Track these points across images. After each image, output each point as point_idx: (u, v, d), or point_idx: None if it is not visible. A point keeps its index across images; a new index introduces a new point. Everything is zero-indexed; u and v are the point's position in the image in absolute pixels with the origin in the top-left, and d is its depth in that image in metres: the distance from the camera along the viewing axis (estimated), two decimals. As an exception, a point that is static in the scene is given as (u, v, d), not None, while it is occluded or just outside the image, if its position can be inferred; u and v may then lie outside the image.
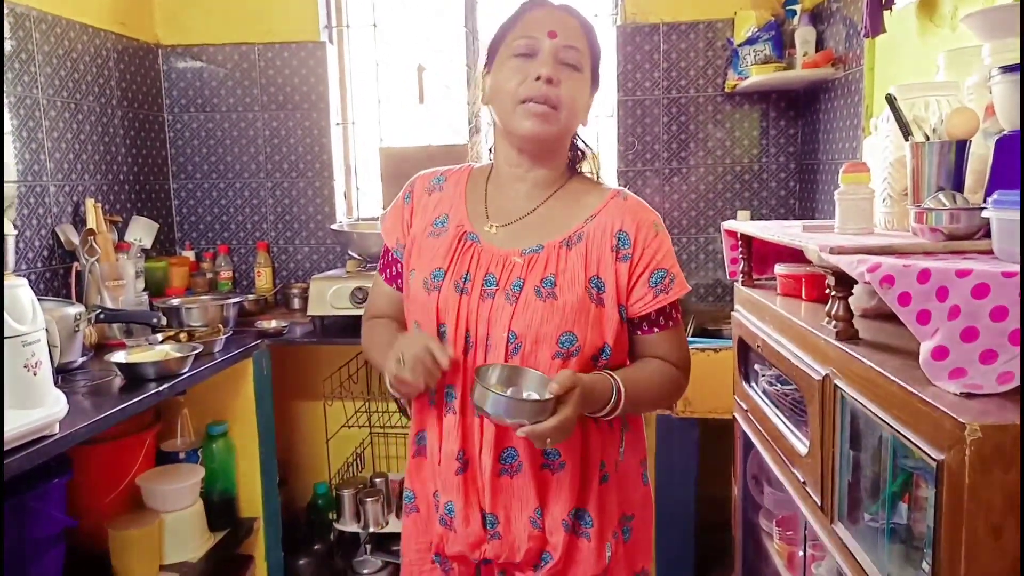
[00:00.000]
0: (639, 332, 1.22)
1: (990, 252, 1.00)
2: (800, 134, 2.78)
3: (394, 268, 1.29)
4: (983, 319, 0.86)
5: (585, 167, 1.29)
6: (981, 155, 1.20)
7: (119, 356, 1.94)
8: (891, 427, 0.93)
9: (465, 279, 1.16)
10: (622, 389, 1.13)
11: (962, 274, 0.87)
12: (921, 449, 0.85)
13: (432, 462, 1.21)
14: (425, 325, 1.18)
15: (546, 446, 1.06)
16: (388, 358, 1.11)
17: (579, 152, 1.28)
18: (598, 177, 1.29)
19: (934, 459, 0.81)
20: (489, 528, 1.18)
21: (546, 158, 1.21)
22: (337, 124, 3.03)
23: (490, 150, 1.29)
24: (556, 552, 1.17)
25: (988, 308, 0.85)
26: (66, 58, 2.42)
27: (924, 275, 0.90)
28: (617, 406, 1.13)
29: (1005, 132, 1.13)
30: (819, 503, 1.19)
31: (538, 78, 1.12)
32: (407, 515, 1.28)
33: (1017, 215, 0.92)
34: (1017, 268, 0.86)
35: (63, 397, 1.53)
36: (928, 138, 1.18)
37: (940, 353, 0.88)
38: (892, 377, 0.93)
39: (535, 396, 1.07)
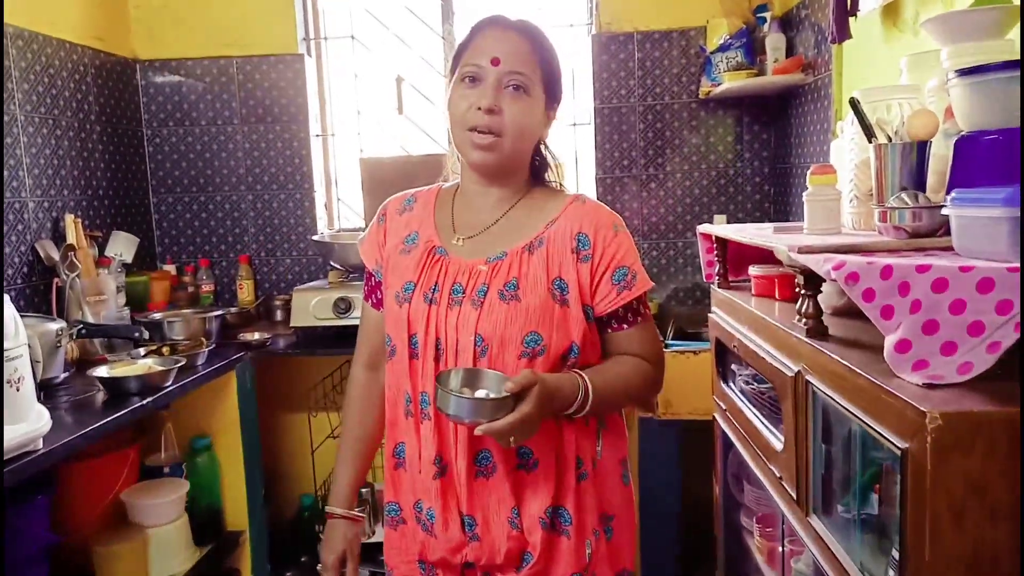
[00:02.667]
0: (609, 330, 1.25)
1: (951, 248, 1.04)
2: (773, 139, 2.83)
3: (379, 292, 1.33)
4: (943, 312, 0.89)
5: (550, 176, 1.32)
6: (942, 155, 1.24)
7: (101, 371, 1.94)
8: (859, 419, 0.96)
9: (434, 290, 1.20)
10: (589, 386, 1.15)
11: (922, 269, 0.90)
12: (887, 439, 0.88)
13: (412, 471, 1.23)
14: (398, 336, 1.22)
15: (509, 444, 1.08)
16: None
17: (543, 162, 1.32)
18: (560, 186, 1.32)
19: (899, 448, 0.84)
20: (468, 531, 1.20)
21: (502, 176, 1.25)
22: (317, 136, 3.04)
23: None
24: (536, 551, 1.18)
25: (947, 301, 0.89)
26: (43, 74, 2.42)
27: (887, 271, 0.93)
28: (585, 403, 1.15)
29: (963, 133, 1.17)
30: (795, 497, 1.22)
31: (480, 108, 1.15)
32: (392, 528, 1.29)
33: (975, 212, 0.96)
34: (975, 263, 0.89)
35: (46, 413, 1.53)
36: (891, 140, 1.22)
37: (903, 346, 0.91)
38: (859, 370, 0.96)
39: (494, 396, 1.09)
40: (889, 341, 0.92)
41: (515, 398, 1.06)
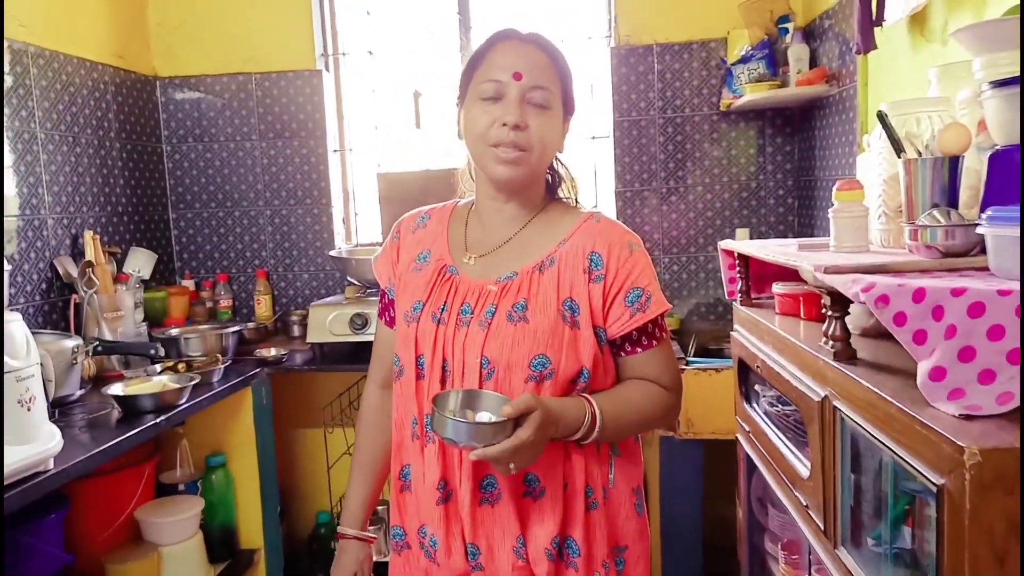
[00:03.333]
0: (622, 353, 1.20)
1: (987, 269, 0.99)
2: (796, 151, 2.78)
3: (392, 310, 1.31)
4: (980, 338, 0.84)
5: (564, 191, 1.29)
6: (975, 170, 1.19)
7: (116, 388, 1.93)
8: (891, 450, 0.91)
9: (442, 310, 1.18)
10: (597, 412, 1.12)
11: (957, 292, 0.86)
12: (921, 473, 0.83)
13: (417, 495, 1.20)
14: (406, 355, 1.20)
15: (508, 471, 1.04)
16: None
17: (558, 177, 1.29)
18: (576, 202, 1.29)
19: (935, 484, 0.79)
20: (471, 560, 1.16)
21: (521, 191, 1.22)
22: (335, 151, 3.04)
23: (471, 176, 1.30)
24: None
25: (985, 327, 0.84)
26: (64, 92, 2.44)
27: (919, 294, 0.88)
28: (592, 430, 1.12)
29: (998, 147, 1.12)
30: (822, 527, 1.17)
31: (505, 124, 1.13)
32: (397, 553, 1.25)
33: (1013, 231, 0.91)
34: (1014, 286, 0.85)
35: (58, 432, 1.51)
36: (921, 154, 1.17)
37: (938, 374, 0.86)
38: (890, 399, 0.91)
39: (494, 419, 1.05)
40: (922, 368, 0.87)
41: (514, 423, 1.03)
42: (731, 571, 2.11)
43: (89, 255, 2.38)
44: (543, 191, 1.27)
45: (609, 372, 1.20)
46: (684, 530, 2.38)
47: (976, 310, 0.84)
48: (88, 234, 2.40)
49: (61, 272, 2.35)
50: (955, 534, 0.76)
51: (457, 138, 1.27)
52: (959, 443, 0.75)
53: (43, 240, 2.33)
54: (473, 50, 1.22)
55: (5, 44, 2.18)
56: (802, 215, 2.76)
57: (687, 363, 2.29)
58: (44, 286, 2.32)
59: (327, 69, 3.00)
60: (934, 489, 0.79)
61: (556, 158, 1.28)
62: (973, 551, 0.74)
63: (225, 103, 2.97)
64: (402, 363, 1.21)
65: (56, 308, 2.36)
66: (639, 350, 1.20)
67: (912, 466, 0.85)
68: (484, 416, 1.07)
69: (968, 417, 0.82)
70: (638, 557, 1.25)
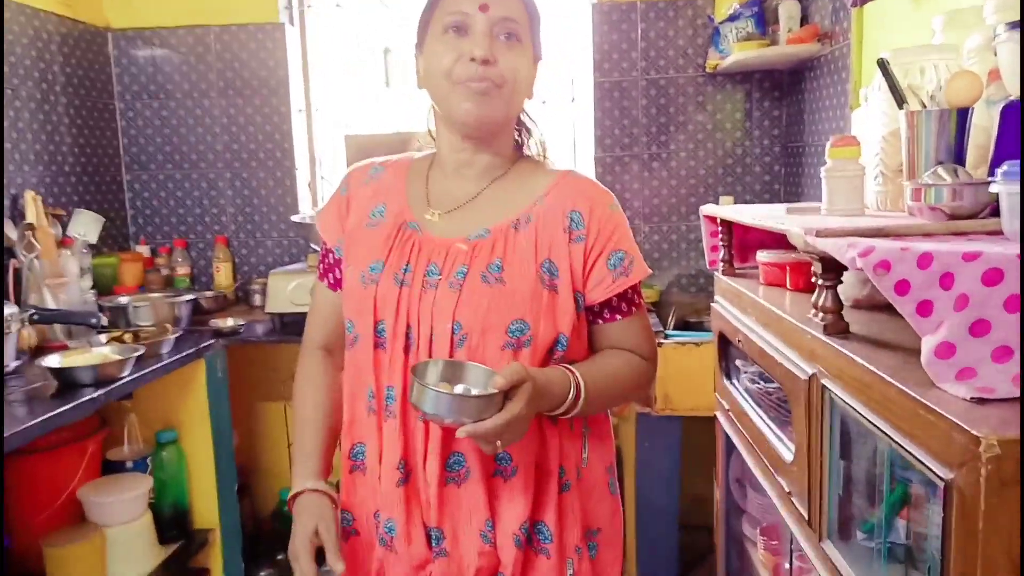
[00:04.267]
0: (600, 321, 1.12)
1: (998, 233, 0.88)
2: (784, 116, 2.65)
3: (338, 271, 1.18)
4: (995, 309, 0.73)
5: (533, 146, 1.18)
6: (983, 128, 1.08)
7: (53, 360, 1.79)
8: (889, 437, 0.80)
9: (405, 270, 1.06)
10: (581, 384, 1.03)
11: (970, 257, 0.74)
12: (925, 465, 0.72)
13: (372, 476, 1.08)
14: (362, 321, 1.08)
15: (496, 449, 0.94)
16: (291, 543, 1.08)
17: (526, 131, 1.18)
18: (545, 158, 1.19)
19: (942, 479, 0.68)
20: (434, 545, 1.06)
21: (491, 141, 1.11)
22: (299, 110, 2.87)
23: (431, 134, 1.18)
24: (509, 571, 1.05)
25: (1002, 297, 0.73)
26: None
27: (925, 259, 0.77)
28: (576, 403, 1.03)
29: (1011, 98, 1.00)
30: (806, 517, 1.07)
31: (473, 59, 1.02)
32: (344, 540, 1.14)
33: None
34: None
35: (-27, 408, 1.38)
36: (925, 106, 1.05)
37: (945, 350, 0.75)
38: (888, 378, 0.80)
39: (479, 392, 0.95)
40: (928, 344, 0.76)
41: (503, 396, 0.93)
42: (708, 549, 2.03)
43: (30, 217, 2.22)
44: (512, 145, 1.16)
45: (583, 341, 1.12)
46: (660, 509, 2.29)
47: (992, 277, 0.73)
48: (29, 194, 2.24)
49: (-2, 235, 2.19)
50: (966, 538, 0.65)
51: (417, 88, 1.14)
52: (973, 432, 0.64)
53: (-22, 200, 2.16)
54: None
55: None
56: (789, 183, 2.64)
57: (666, 336, 2.19)
58: (-20, 250, 2.15)
59: (291, 23, 2.82)
60: (940, 484, 0.68)
61: (524, 111, 1.16)
62: (988, 558, 0.64)
63: (182, 58, 2.78)
64: (357, 330, 1.09)
65: (-6, 273, 2.20)
66: (618, 317, 1.12)
67: (914, 457, 0.74)
68: (460, 389, 0.96)
69: (981, 401, 0.71)
70: (611, 539, 1.17)
